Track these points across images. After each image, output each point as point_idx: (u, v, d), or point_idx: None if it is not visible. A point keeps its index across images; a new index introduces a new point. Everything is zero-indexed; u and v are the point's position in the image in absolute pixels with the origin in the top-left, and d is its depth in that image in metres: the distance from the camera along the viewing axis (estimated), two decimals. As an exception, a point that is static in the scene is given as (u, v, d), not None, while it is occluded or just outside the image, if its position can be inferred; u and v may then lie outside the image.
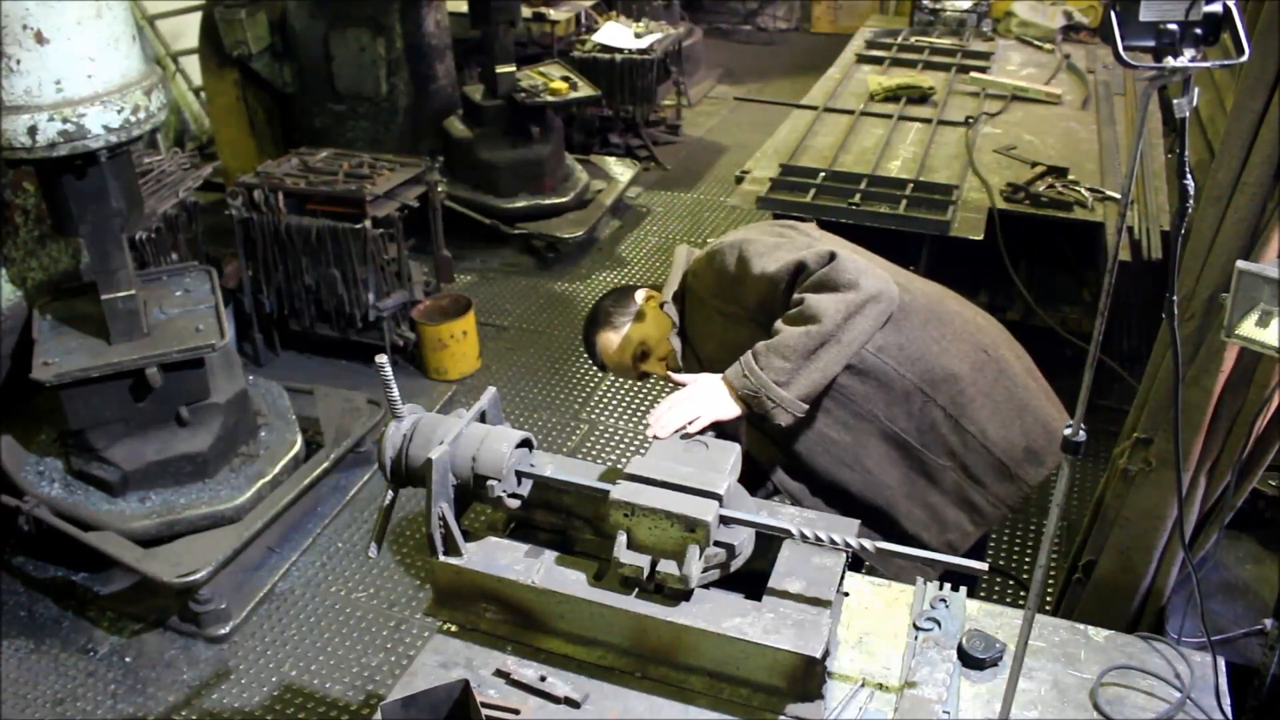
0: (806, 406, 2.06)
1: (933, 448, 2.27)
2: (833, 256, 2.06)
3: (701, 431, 2.00)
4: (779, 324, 2.08)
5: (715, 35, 10.23)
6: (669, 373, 2.32)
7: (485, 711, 1.64)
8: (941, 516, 2.33)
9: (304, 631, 3.50)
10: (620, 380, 4.85)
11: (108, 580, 3.63)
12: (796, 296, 2.07)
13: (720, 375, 2.10)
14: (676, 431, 1.97)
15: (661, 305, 2.38)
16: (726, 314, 2.28)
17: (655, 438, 1.95)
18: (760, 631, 1.64)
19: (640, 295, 2.47)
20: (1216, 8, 1.18)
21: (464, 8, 6.02)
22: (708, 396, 2.06)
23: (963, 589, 1.98)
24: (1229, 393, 2.15)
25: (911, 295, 2.26)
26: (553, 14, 7.33)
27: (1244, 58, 1.22)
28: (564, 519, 1.93)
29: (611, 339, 2.45)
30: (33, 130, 2.88)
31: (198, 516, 3.50)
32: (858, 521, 1.81)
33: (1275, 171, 1.97)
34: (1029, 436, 2.30)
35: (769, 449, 2.37)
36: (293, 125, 5.99)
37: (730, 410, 2.05)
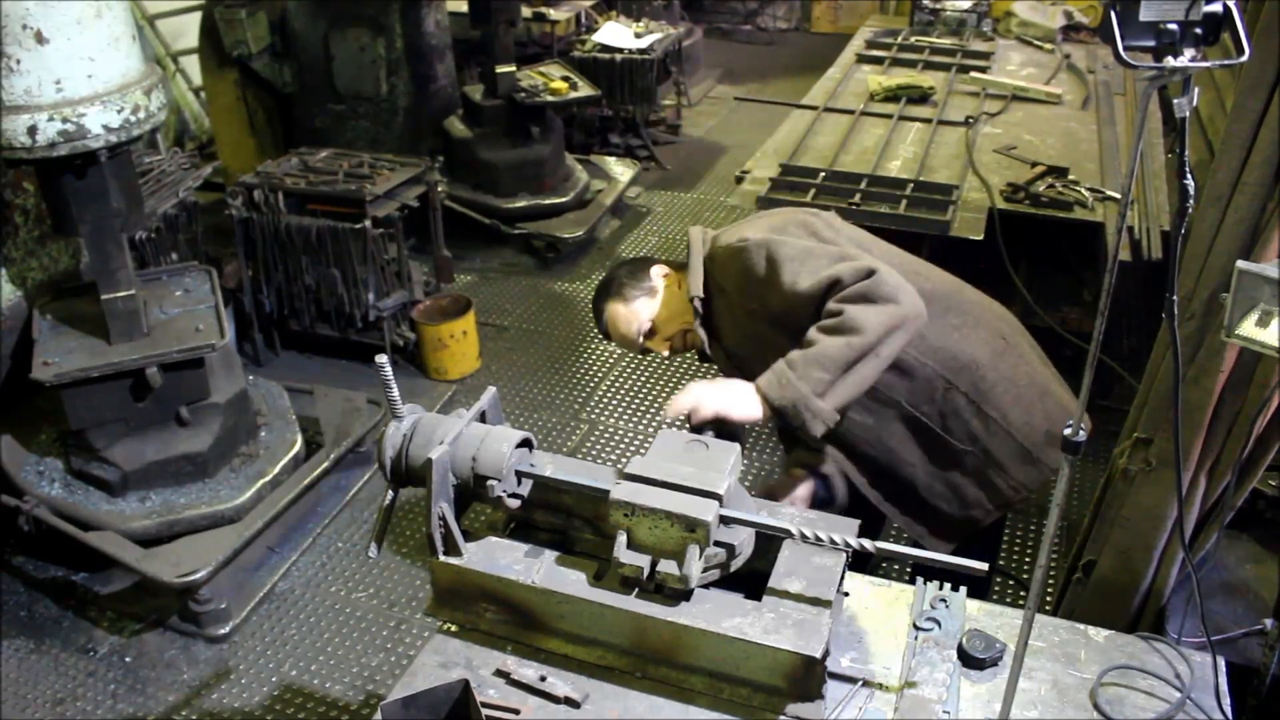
0: (839, 417, 2.08)
1: (955, 432, 2.30)
2: (872, 272, 2.05)
3: (703, 430, 2.00)
4: (814, 334, 2.06)
5: (715, 35, 10.22)
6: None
7: (485, 711, 1.64)
8: (963, 494, 2.37)
9: (304, 631, 3.50)
10: (621, 380, 4.85)
11: (108, 580, 3.63)
12: (834, 307, 2.06)
13: (752, 384, 2.09)
14: (682, 419, 2.01)
15: (691, 299, 2.34)
16: (749, 310, 2.28)
17: (664, 423, 1.98)
18: (760, 631, 1.64)
19: (657, 272, 2.44)
20: (1216, 8, 1.18)
21: (464, 8, 6.02)
22: (732, 395, 2.07)
23: (963, 589, 1.98)
24: (1229, 393, 2.15)
25: (931, 284, 2.29)
26: (553, 14, 7.33)
27: (1244, 58, 1.22)
28: (564, 519, 1.93)
29: (621, 312, 2.43)
30: (33, 130, 2.88)
31: (198, 516, 3.50)
32: (858, 521, 1.81)
33: (1275, 171, 1.97)
34: (1050, 420, 2.34)
35: None
36: (293, 125, 5.98)
37: (754, 411, 2.06)
